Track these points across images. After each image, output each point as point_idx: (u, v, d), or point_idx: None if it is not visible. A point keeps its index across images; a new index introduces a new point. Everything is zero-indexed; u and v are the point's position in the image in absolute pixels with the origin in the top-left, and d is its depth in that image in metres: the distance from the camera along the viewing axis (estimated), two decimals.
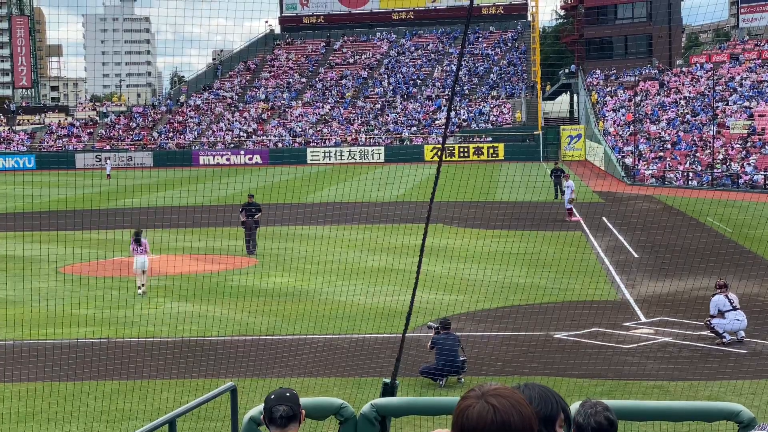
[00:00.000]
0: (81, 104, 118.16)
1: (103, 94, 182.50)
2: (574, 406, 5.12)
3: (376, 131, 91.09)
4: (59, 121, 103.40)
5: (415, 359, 17.37)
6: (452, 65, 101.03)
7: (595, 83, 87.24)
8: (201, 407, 7.72)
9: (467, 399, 3.28)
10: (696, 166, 59.93)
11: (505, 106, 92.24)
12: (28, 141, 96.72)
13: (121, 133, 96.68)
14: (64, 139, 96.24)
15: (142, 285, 25.69)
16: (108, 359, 18.17)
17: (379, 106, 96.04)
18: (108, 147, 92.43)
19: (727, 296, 19.58)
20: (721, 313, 19.35)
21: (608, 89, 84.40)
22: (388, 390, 9.20)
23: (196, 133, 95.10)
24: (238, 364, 17.92)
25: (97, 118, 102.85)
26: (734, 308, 19.33)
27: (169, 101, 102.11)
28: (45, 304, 24.06)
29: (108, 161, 78.05)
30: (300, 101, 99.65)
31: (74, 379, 16.96)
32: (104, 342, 19.84)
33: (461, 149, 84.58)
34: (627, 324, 21.20)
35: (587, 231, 36.85)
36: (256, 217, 32.50)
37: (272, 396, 5.62)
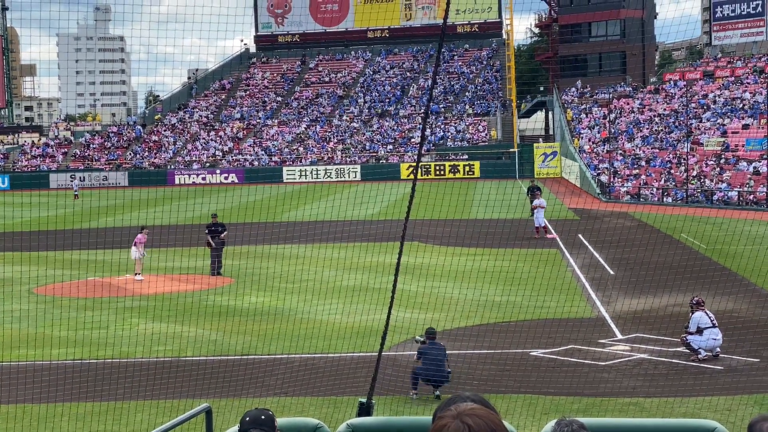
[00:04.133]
0: (55, 124, 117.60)
1: (78, 114, 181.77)
2: (549, 425, 5.09)
3: (352, 150, 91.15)
4: (33, 141, 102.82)
5: (392, 378, 17.32)
6: (428, 83, 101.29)
7: (570, 100, 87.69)
8: (175, 429, 7.64)
9: (443, 418, 3.25)
10: (670, 183, 60.26)
11: (480, 124, 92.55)
12: (2, 161, 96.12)
13: (95, 152, 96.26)
14: (38, 159, 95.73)
15: (137, 273, 30.83)
16: (82, 380, 18.02)
17: (355, 124, 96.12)
18: (82, 167, 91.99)
19: (706, 313, 19.68)
20: (699, 330, 19.42)
21: (583, 106, 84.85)
22: (364, 409, 9.14)
23: (171, 152, 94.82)
24: (214, 384, 17.81)
25: (72, 137, 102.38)
26: (714, 325, 19.43)
27: (138, 127, 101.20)
28: (18, 325, 23.85)
29: (74, 181, 77.59)
30: (276, 120, 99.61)
31: (48, 401, 16.80)
32: (78, 363, 19.67)
33: (437, 167, 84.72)
34: (603, 341, 21.23)
35: (563, 248, 36.93)
36: (222, 236, 32.39)
37: (247, 418, 5.54)
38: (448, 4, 9.05)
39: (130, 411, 16.27)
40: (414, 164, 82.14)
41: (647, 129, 72.86)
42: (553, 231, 41.56)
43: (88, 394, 17.26)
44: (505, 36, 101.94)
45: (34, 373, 18.69)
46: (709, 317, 19.60)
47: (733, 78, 75.82)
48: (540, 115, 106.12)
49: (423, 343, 17.42)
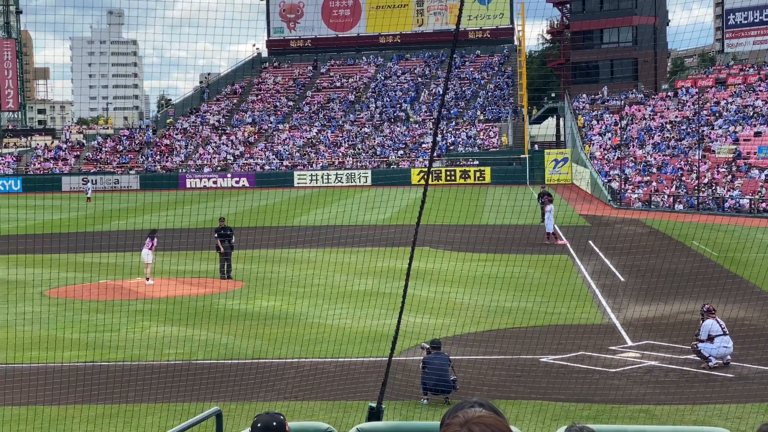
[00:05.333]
0: (68, 127, 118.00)
1: (90, 117, 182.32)
2: (560, 431, 5.12)
3: (362, 155, 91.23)
4: (46, 144, 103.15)
5: (402, 383, 17.34)
6: (439, 89, 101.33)
7: (581, 107, 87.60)
8: None
9: (450, 426, 3.26)
10: (682, 190, 60.15)
11: (492, 130, 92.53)
12: (15, 164, 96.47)
13: (107, 156, 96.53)
14: (50, 162, 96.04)
15: (148, 278, 30.79)
16: (93, 383, 18.07)
17: (366, 129, 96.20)
18: (94, 170, 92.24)
19: (717, 321, 19.65)
20: (710, 338, 19.39)
21: (594, 113, 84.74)
22: (374, 414, 9.17)
23: (183, 156, 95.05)
24: (224, 387, 17.85)
25: (84, 141, 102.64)
26: (724, 333, 19.40)
27: (148, 134, 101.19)
28: (30, 327, 23.93)
29: (88, 184, 77.78)
30: (287, 124, 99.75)
31: (59, 403, 16.86)
32: (89, 366, 19.73)
33: (448, 173, 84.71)
34: (613, 348, 21.21)
35: (573, 254, 36.89)
36: (232, 241, 32.44)
37: (258, 424, 5.53)
38: (460, 10, 9.09)
39: (141, 414, 16.32)
40: (425, 169, 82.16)
41: (659, 136, 72.73)
42: (563, 237, 41.51)
43: (99, 397, 17.32)
44: (516, 42, 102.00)
45: (45, 375, 18.76)
46: (720, 325, 19.57)
47: (745, 85, 75.65)
48: (551, 122, 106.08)
49: (428, 352, 17.48)
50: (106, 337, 22.79)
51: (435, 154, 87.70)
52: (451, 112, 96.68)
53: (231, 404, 16.38)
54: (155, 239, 31.30)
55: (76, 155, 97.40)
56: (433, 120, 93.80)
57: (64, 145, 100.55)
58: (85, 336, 22.91)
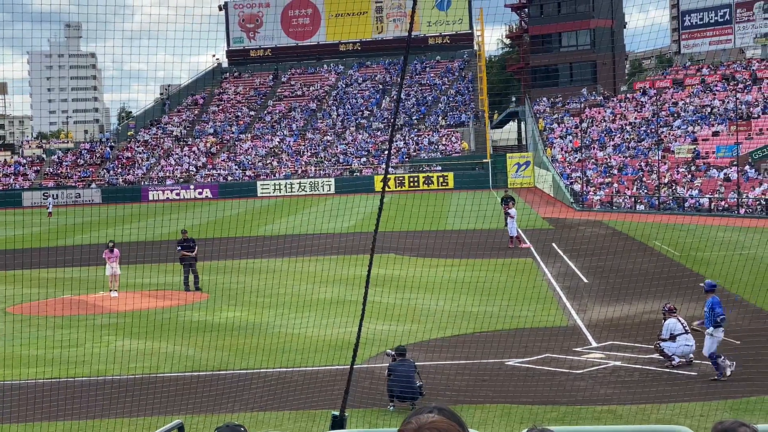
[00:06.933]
0: (27, 142, 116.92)
1: (50, 131, 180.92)
2: None
3: (325, 163, 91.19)
4: (5, 159, 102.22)
5: (368, 390, 17.34)
6: (401, 95, 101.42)
7: (542, 110, 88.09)
8: None
9: None
10: (642, 191, 60.62)
11: (453, 135, 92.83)
12: None
13: (68, 170, 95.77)
14: (10, 178, 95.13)
15: (114, 290, 30.77)
16: (57, 399, 17.92)
17: (329, 137, 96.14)
18: (54, 184, 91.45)
19: (679, 320, 19.84)
20: (672, 337, 19.57)
21: (555, 116, 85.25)
22: (337, 422, 9.20)
23: (145, 168, 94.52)
24: (190, 400, 17.76)
25: (44, 155, 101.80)
26: (686, 332, 19.58)
27: (107, 150, 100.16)
28: None
29: (49, 199, 77.03)
30: (249, 134, 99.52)
31: (23, 421, 16.71)
32: (53, 382, 19.56)
33: (411, 179, 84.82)
34: (578, 349, 21.33)
35: (537, 257, 37.06)
36: (194, 252, 32.27)
37: None
38: (412, 18, 9.15)
39: (106, 429, 16.20)
40: (389, 176, 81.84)
41: (619, 137, 73.31)
42: (527, 241, 41.69)
43: (63, 413, 17.17)
44: (476, 47, 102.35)
45: (4, 392, 18.57)
46: (682, 324, 19.75)
47: (702, 86, 76.41)
48: (512, 126, 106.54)
49: (393, 359, 17.49)
50: (71, 352, 22.59)
51: (398, 161, 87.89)
52: (413, 118, 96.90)
53: (196, 416, 16.31)
54: (109, 250, 31.47)
55: (36, 170, 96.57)
56: (397, 126, 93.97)
57: (24, 160, 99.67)
58: (49, 352, 22.70)
